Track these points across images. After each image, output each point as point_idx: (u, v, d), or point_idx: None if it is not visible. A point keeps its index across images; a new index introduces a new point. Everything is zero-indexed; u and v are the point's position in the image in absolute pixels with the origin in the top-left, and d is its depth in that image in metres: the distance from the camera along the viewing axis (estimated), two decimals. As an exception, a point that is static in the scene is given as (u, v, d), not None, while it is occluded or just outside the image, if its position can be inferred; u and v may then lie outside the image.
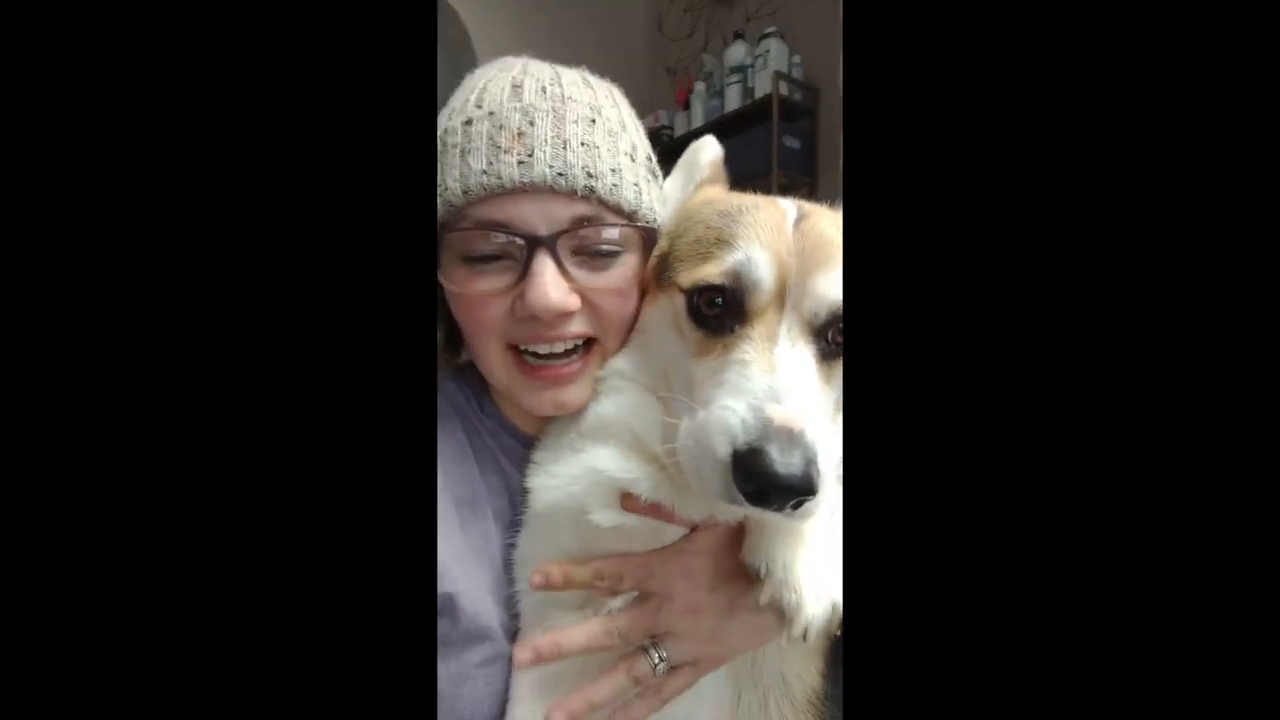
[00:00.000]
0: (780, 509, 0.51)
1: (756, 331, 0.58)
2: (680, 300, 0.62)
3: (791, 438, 0.50)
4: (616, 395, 0.67)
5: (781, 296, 0.59)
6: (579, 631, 0.65)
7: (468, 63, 3.54)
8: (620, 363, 0.69)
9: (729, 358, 0.57)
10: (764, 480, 0.49)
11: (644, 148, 0.73)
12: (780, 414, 0.51)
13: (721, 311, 0.60)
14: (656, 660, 0.64)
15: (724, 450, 0.52)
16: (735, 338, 0.58)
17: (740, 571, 0.64)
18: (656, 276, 0.68)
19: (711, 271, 0.60)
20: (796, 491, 0.49)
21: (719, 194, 0.73)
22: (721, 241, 0.61)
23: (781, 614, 0.59)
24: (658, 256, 0.69)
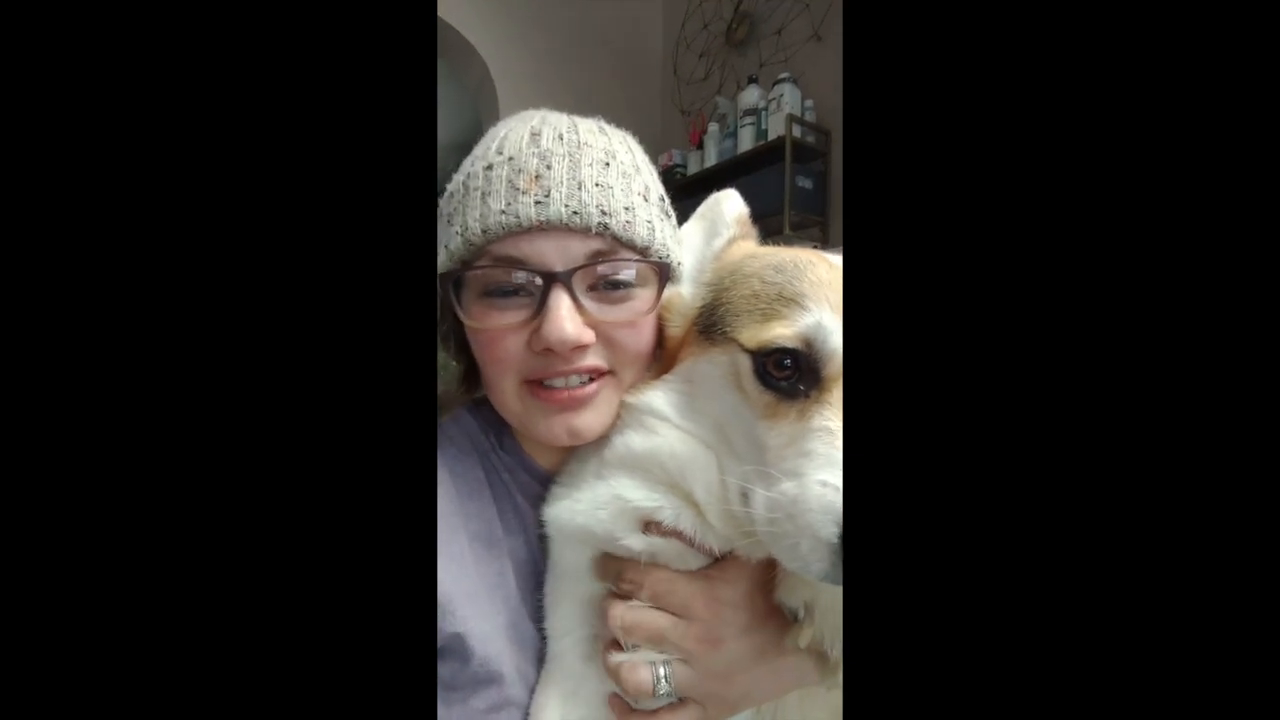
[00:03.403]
0: None
1: (835, 397, 0.55)
2: (745, 360, 0.60)
3: None
4: (651, 435, 0.65)
5: None
6: (611, 600, 0.66)
7: (489, 102, 3.66)
8: (659, 403, 0.66)
9: (809, 424, 0.55)
10: None
11: (657, 190, 0.75)
12: None
13: (793, 374, 0.57)
14: (661, 677, 0.62)
15: (829, 532, 0.50)
16: (812, 403, 0.56)
17: (774, 612, 0.62)
18: (702, 328, 0.66)
19: (783, 333, 0.57)
20: None
21: (758, 247, 0.72)
22: (785, 299, 0.59)
23: (822, 659, 0.57)
24: (700, 308, 0.68)
